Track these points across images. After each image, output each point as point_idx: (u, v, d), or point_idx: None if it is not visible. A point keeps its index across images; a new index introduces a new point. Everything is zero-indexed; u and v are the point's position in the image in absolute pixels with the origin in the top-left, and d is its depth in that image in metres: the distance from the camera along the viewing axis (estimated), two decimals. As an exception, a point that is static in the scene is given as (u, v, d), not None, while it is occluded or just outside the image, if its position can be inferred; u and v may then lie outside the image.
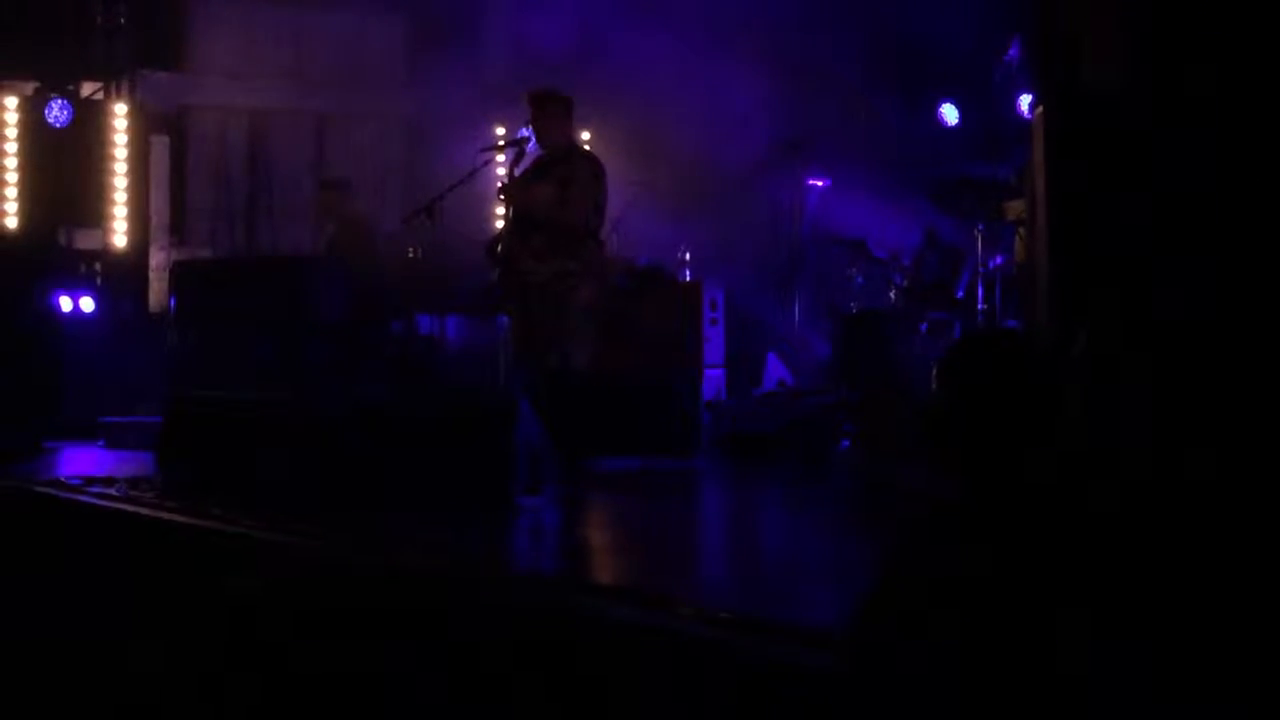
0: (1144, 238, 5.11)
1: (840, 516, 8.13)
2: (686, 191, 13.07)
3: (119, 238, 13.44)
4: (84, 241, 13.57)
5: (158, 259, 14.12)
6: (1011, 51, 11.91)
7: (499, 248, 8.57)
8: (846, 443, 9.17)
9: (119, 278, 13.41)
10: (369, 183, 14.28)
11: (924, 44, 12.20)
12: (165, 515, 7.87)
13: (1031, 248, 6.82)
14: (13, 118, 12.94)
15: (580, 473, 8.42)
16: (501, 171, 11.61)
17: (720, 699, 4.69)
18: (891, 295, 11.75)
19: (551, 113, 8.61)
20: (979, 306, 10.77)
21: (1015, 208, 10.77)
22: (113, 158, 13.35)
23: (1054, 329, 5.24)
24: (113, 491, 8.66)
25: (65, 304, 12.81)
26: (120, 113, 13.47)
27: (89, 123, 13.29)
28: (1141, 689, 2.71)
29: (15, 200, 12.95)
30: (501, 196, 8.79)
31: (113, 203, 13.37)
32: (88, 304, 12.90)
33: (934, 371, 3.18)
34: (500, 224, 8.74)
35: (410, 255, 11.57)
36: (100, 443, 11.72)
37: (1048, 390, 3.10)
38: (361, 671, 0.84)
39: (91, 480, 9.01)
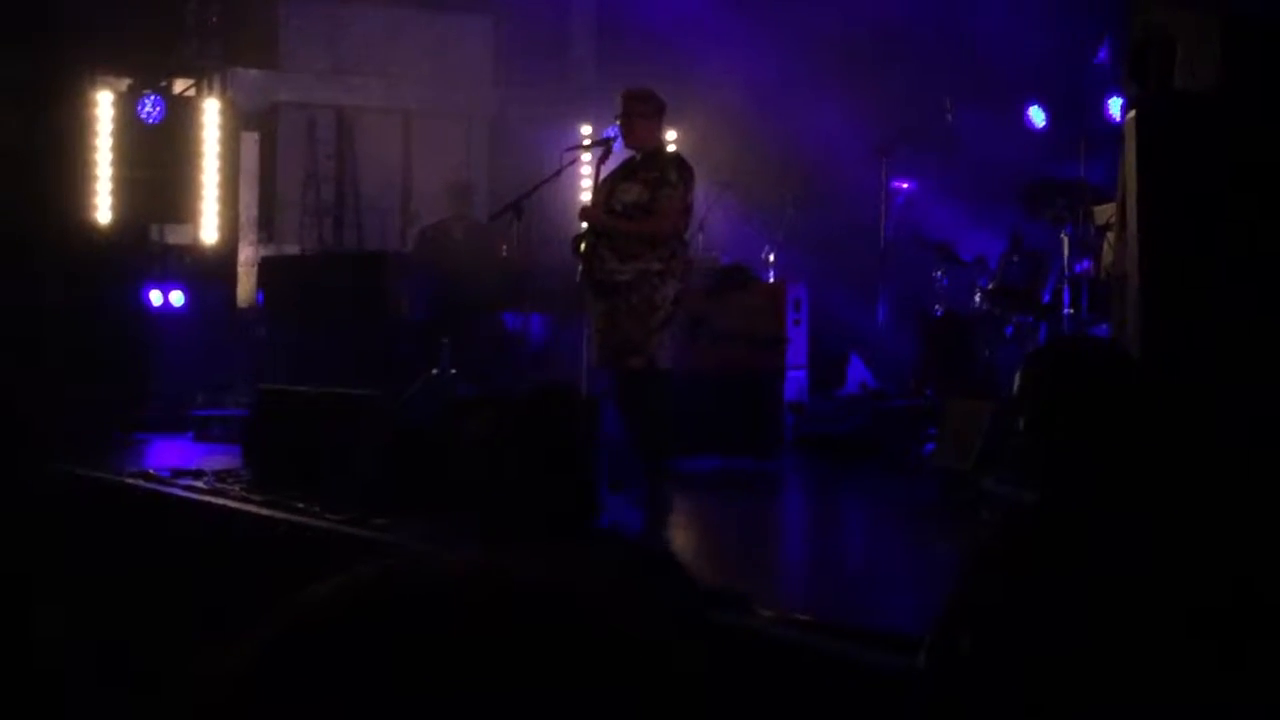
0: (1235, 242, 5.05)
1: (923, 520, 8.10)
2: (771, 192, 13.04)
3: (209, 233, 13.58)
4: (175, 236, 13.73)
5: (247, 254, 14.27)
6: (1101, 54, 11.80)
7: (584, 246, 8.57)
8: (930, 446, 9.12)
9: (209, 272, 13.55)
10: (456, 180, 14.34)
11: (1012, 46, 12.11)
12: (251, 509, 7.97)
13: (1120, 253, 6.76)
14: (107, 114, 13.11)
15: (663, 472, 8.43)
16: (587, 170, 11.65)
17: (800, 701, 4.69)
18: (977, 298, 11.67)
19: (643, 112, 8.59)
20: (1065, 311, 10.68)
21: (1103, 212, 10.67)
22: (204, 154, 13.49)
23: (1143, 334, 5.19)
24: (200, 484, 8.77)
25: (156, 298, 12.98)
26: (212, 110, 13.61)
27: (181, 119, 13.43)
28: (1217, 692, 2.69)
29: (109, 195, 13.12)
30: (584, 222, 8.75)
31: (203, 198, 13.52)
32: (178, 298, 13.06)
33: (1017, 376, 3.17)
34: (584, 224, 8.73)
35: (504, 253, 11.63)
36: (189, 435, 11.86)
37: (1132, 395, 3.08)
38: (447, 670, 0.83)
39: (180, 473, 9.13)
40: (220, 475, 8.95)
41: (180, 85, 13.90)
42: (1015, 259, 11.52)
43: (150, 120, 13.19)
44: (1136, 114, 5.67)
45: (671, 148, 10.16)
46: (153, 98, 13.25)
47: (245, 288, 13.95)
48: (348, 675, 0.86)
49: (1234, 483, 3.84)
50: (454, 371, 10.90)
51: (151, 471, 9.20)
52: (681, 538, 7.93)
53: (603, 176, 8.76)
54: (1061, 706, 2.77)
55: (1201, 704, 2.69)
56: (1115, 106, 11.39)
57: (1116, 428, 3.00)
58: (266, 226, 14.84)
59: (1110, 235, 10.08)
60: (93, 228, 13.01)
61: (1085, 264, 10.84)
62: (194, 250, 13.61)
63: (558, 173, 9.66)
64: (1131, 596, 2.79)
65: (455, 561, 0.95)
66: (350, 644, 0.88)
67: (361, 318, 11.37)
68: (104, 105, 13.12)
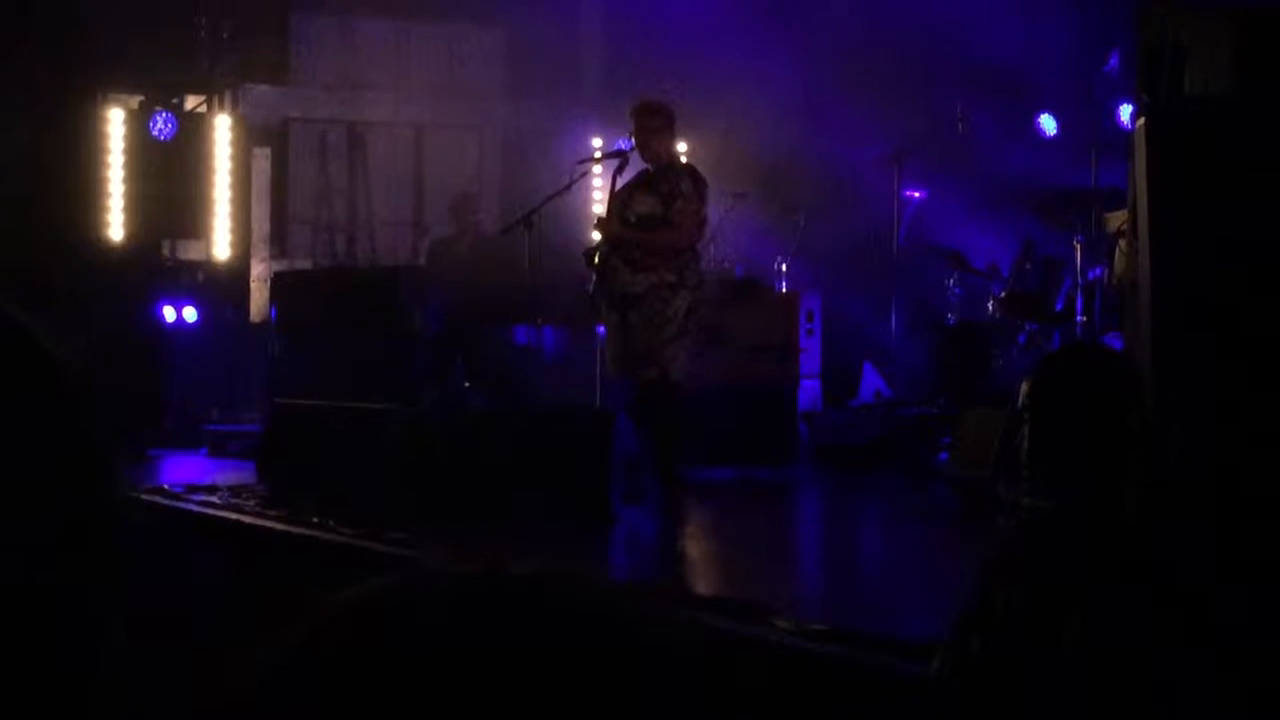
0: (1247, 249, 5.05)
1: (937, 529, 8.09)
2: (783, 202, 13.04)
3: (221, 249, 13.61)
4: (187, 252, 13.75)
5: (259, 269, 14.28)
6: (1111, 62, 11.81)
7: (596, 258, 8.59)
8: (945, 455, 9.11)
9: (221, 288, 13.57)
10: (455, 194, 14.34)
11: (1024, 55, 12.12)
12: (266, 523, 7.98)
13: (1132, 260, 6.76)
14: (118, 131, 13.14)
15: (677, 483, 8.43)
16: (598, 182, 11.66)
17: (815, 711, 4.69)
18: (989, 307, 11.67)
19: (655, 125, 8.60)
20: (1078, 318, 10.68)
21: (1116, 219, 10.66)
22: (215, 170, 13.51)
23: (1154, 342, 5.19)
24: (215, 499, 8.78)
25: (169, 314, 13.00)
26: (223, 125, 13.64)
27: (193, 135, 13.46)
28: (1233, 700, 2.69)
29: (121, 212, 13.15)
30: (599, 234, 8.75)
31: (215, 214, 13.54)
32: (191, 314, 13.07)
33: (1023, 384, 3.17)
34: (597, 235, 8.75)
35: (522, 266, 11.65)
36: (203, 451, 11.88)
37: (1140, 403, 3.08)
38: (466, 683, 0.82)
39: (194, 488, 9.14)
40: (235, 490, 8.96)
41: (192, 101, 13.92)
42: (1028, 266, 11.52)
43: (162, 137, 13.21)
44: (1146, 120, 5.66)
45: (684, 159, 10.17)
46: (164, 114, 13.27)
47: (258, 303, 13.96)
48: (369, 680, 0.87)
49: (1238, 492, 3.83)
50: (467, 385, 10.91)
51: (166, 487, 9.21)
52: (696, 548, 7.93)
53: (616, 188, 8.77)
54: (1068, 711, 2.76)
55: (1200, 712, 2.69)
56: (1126, 113, 11.39)
57: (1122, 435, 3.00)
58: (279, 242, 14.85)
59: (1122, 242, 10.08)
60: (105, 244, 13.03)
61: (1098, 271, 10.84)
62: (206, 266, 13.63)
63: (569, 185, 9.68)
64: (1139, 602, 2.79)
65: (474, 570, 0.96)
66: (370, 651, 0.88)
67: (375, 332, 11.37)
68: (115, 122, 13.14)
